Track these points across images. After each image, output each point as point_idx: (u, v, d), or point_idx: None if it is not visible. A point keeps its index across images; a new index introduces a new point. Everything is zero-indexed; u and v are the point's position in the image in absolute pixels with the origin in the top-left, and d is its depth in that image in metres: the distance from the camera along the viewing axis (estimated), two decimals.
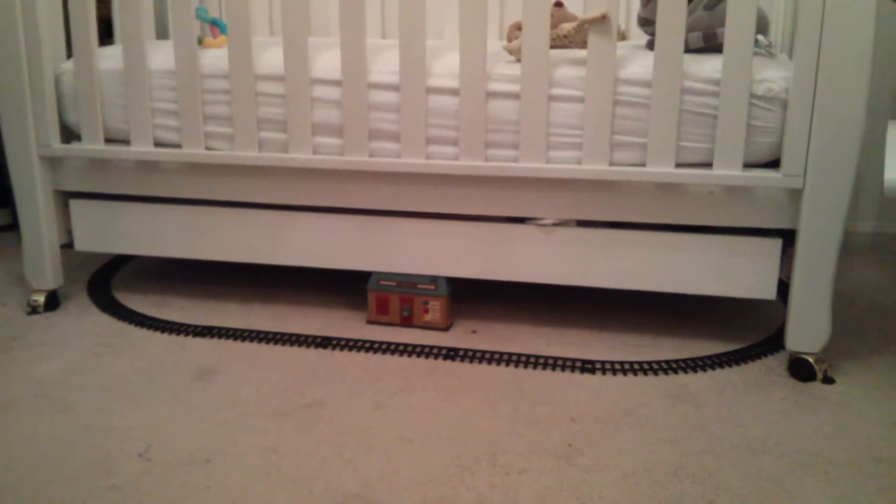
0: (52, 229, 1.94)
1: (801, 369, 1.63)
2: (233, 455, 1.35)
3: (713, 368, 1.67)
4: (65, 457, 1.35)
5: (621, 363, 1.69)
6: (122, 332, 1.85)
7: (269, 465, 1.32)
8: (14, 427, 1.45)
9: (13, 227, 2.69)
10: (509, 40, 1.81)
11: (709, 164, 1.61)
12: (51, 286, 1.97)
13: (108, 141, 1.90)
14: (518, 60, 1.68)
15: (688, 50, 1.64)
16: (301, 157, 1.76)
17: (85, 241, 1.98)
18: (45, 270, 1.95)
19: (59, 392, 1.57)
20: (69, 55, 1.89)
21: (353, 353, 1.74)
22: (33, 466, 1.32)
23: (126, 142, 1.88)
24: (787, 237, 1.64)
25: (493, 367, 1.68)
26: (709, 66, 1.58)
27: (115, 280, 2.21)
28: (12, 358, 1.72)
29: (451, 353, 1.73)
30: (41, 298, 1.97)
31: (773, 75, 1.56)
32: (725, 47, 1.53)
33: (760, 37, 1.71)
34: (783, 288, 1.68)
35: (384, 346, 1.77)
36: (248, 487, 1.26)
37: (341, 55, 1.69)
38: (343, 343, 1.78)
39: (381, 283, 1.86)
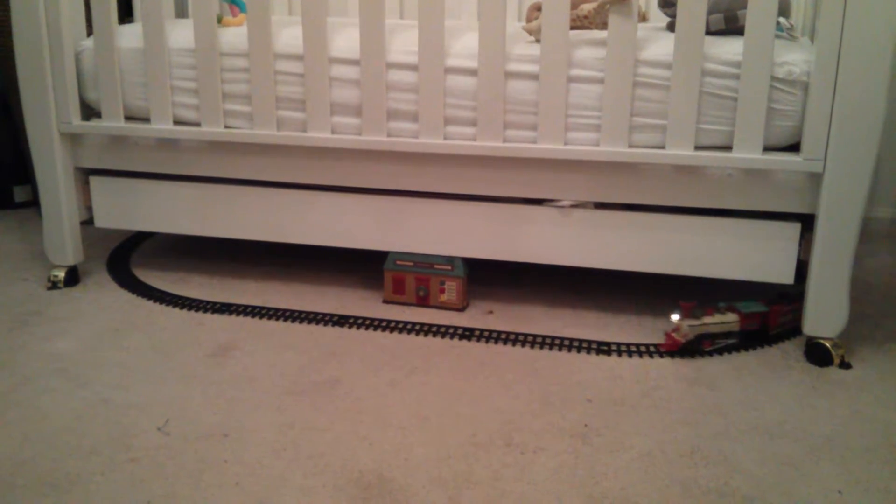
0: (72, 206, 1.95)
1: (817, 354, 1.62)
2: (249, 431, 1.36)
3: (729, 352, 1.66)
4: (83, 430, 1.37)
5: (637, 345, 1.69)
6: (140, 308, 1.86)
7: (285, 441, 1.33)
8: (33, 401, 1.46)
9: (34, 203, 2.70)
10: (528, 20, 1.80)
11: (728, 147, 1.60)
12: (71, 262, 1.98)
13: (128, 118, 1.91)
14: (537, 41, 1.68)
15: (709, 32, 1.63)
16: (319, 136, 1.76)
17: (105, 218, 2.00)
18: (66, 246, 1.96)
19: (77, 367, 1.59)
20: (89, 33, 1.90)
21: (370, 332, 1.75)
22: (52, 440, 1.34)
23: (146, 119, 1.89)
24: (806, 221, 1.63)
25: (509, 347, 1.68)
26: (730, 48, 1.57)
27: (134, 256, 2.22)
28: (32, 332, 1.74)
29: (467, 333, 1.74)
30: (61, 274, 1.98)
31: (794, 58, 1.55)
32: (747, 29, 1.52)
33: (782, 19, 1.70)
34: (801, 272, 1.67)
35: (400, 326, 1.77)
36: (265, 462, 1.27)
37: (360, 34, 1.68)
38: (359, 322, 1.79)
39: (398, 262, 1.86)
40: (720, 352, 1.66)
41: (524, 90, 1.65)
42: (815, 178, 1.57)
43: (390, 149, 1.74)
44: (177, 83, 1.84)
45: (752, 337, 1.71)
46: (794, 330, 1.74)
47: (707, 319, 1.66)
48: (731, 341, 1.68)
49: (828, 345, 1.61)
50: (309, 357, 1.63)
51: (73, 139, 1.93)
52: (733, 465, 1.28)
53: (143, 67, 1.85)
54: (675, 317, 1.66)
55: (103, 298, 1.93)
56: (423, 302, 1.88)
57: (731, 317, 1.67)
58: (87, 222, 2.01)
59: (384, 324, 1.78)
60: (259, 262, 2.18)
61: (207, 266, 2.14)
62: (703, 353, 1.66)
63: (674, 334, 1.65)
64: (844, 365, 1.61)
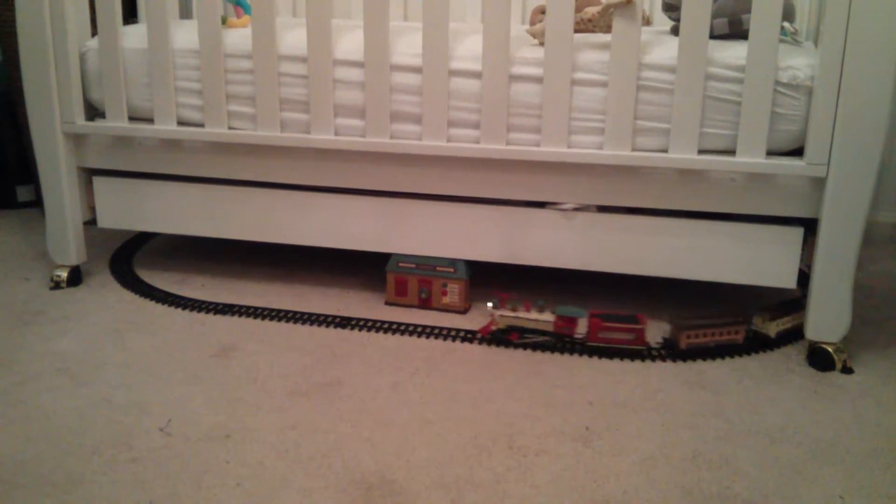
0: (75, 206, 1.96)
1: (820, 359, 1.62)
2: (252, 431, 1.36)
3: (732, 356, 1.66)
4: (85, 430, 1.37)
5: (639, 348, 1.69)
6: (143, 309, 1.86)
7: (287, 442, 1.33)
8: (35, 400, 1.46)
9: (37, 203, 2.71)
10: (532, 24, 1.80)
11: (732, 152, 1.60)
12: (74, 262, 1.99)
13: (132, 119, 1.91)
14: (541, 44, 1.68)
15: (713, 36, 1.63)
16: (323, 138, 1.76)
17: (108, 218, 2.00)
18: (69, 246, 1.97)
19: (80, 366, 1.59)
20: (94, 33, 1.90)
21: (372, 334, 1.75)
22: (54, 439, 1.34)
23: (150, 120, 1.89)
24: (809, 226, 1.63)
25: (511, 350, 1.68)
26: (734, 52, 1.57)
27: (137, 257, 2.22)
28: (35, 332, 1.74)
29: (469, 336, 1.74)
30: (64, 274, 1.98)
31: (798, 63, 1.55)
32: (751, 34, 1.52)
33: (786, 24, 1.70)
34: (803, 277, 1.67)
35: (402, 328, 1.77)
36: (267, 463, 1.27)
37: (364, 37, 1.69)
38: (362, 323, 1.79)
39: (401, 265, 1.86)
40: (722, 355, 1.66)
41: (528, 93, 1.66)
42: (819, 183, 1.57)
43: (394, 151, 1.74)
44: (181, 84, 1.84)
45: (565, 340, 1.71)
46: (796, 335, 1.74)
47: (521, 313, 1.68)
48: (542, 339, 1.69)
49: (830, 349, 1.61)
50: (311, 358, 1.63)
51: (77, 139, 1.94)
52: (735, 469, 1.28)
53: (147, 68, 1.85)
54: (489, 304, 1.70)
55: (106, 298, 1.93)
56: (425, 304, 1.87)
57: (547, 316, 1.69)
58: (91, 222, 2.02)
59: (386, 326, 1.78)
60: (262, 263, 2.18)
61: (210, 267, 2.14)
62: (509, 344, 1.70)
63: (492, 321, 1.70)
64: (846, 370, 1.61)
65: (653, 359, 1.65)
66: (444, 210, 1.79)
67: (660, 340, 1.72)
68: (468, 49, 1.69)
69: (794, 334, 1.74)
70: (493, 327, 1.71)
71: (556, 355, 1.66)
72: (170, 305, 1.89)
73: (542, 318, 1.68)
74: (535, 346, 1.68)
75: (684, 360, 1.64)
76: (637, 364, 1.63)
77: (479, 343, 1.70)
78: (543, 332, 1.69)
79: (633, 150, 1.64)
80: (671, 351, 1.67)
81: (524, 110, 1.67)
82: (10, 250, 2.27)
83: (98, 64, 1.87)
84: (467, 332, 1.75)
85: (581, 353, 1.67)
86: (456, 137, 1.72)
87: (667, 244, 1.70)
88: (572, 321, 1.68)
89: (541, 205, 1.76)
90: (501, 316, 1.69)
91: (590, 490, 1.22)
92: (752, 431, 1.39)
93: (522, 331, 1.70)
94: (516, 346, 1.70)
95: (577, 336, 1.70)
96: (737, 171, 1.59)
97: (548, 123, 1.65)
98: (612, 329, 1.66)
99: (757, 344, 1.70)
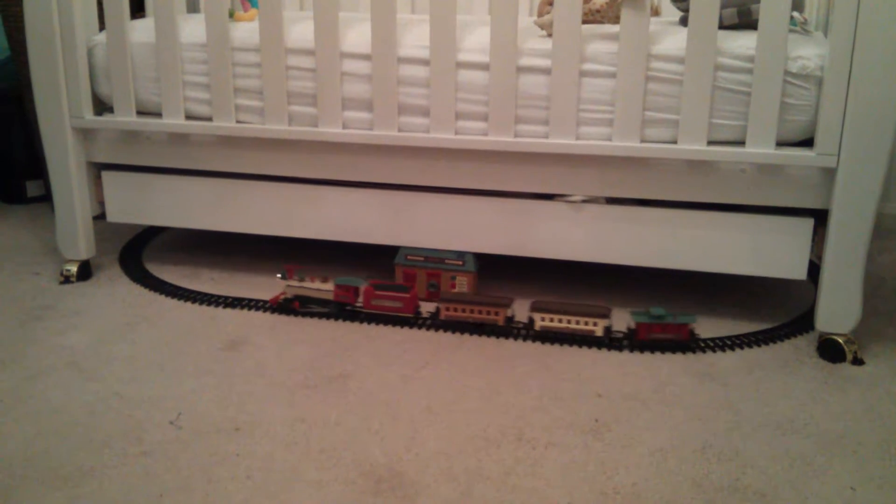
0: (84, 200, 1.96)
1: (830, 350, 1.61)
2: (261, 424, 1.37)
3: (741, 348, 1.66)
4: (96, 424, 1.37)
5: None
6: (152, 303, 1.87)
7: (297, 435, 1.33)
8: (46, 394, 1.47)
9: (46, 198, 2.71)
10: (540, 15, 1.80)
11: (741, 142, 1.59)
12: (83, 257, 1.99)
13: (140, 113, 1.91)
14: (549, 35, 1.67)
15: (722, 26, 1.62)
16: (330, 131, 1.76)
17: (117, 213, 2.00)
18: (78, 241, 1.97)
19: (90, 361, 1.59)
20: (101, 28, 1.90)
21: (380, 327, 1.75)
22: (64, 433, 1.34)
23: (158, 114, 1.89)
24: (819, 217, 1.62)
25: (520, 342, 1.68)
26: (743, 42, 1.56)
27: (146, 251, 2.23)
28: (45, 327, 1.75)
29: (478, 328, 1.73)
30: (74, 268, 1.99)
31: (808, 53, 1.54)
32: (760, 24, 1.51)
33: (796, 14, 1.69)
34: (813, 268, 1.67)
35: (411, 320, 1.77)
36: (277, 456, 1.27)
37: (371, 29, 1.68)
38: (370, 316, 1.79)
39: (409, 258, 1.86)
40: (731, 347, 1.65)
41: (536, 85, 1.65)
42: (829, 174, 1.57)
43: (401, 144, 1.73)
44: (189, 78, 1.84)
45: (346, 308, 1.80)
46: (806, 326, 1.73)
47: (306, 283, 1.78)
48: (326, 309, 1.80)
49: (840, 341, 1.61)
50: (320, 351, 1.63)
51: (86, 134, 1.94)
52: (745, 460, 1.28)
53: (155, 62, 1.85)
54: (278, 276, 1.83)
55: (115, 293, 1.93)
56: (433, 297, 1.87)
57: (329, 286, 1.78)
58: (100, 217, 2.02)
59: (395, 319, 1.78)
60: (270, 257, 2.18)
61: (219, 261, 2.15)
62: (294, 312, 1.81)
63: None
64: (857, 361, 1.60)
65: (662, 351, 1.64)
66: (452, 203, 1.79)
67: (430, 311, 1.79)
68: (476, 41, 1.68)
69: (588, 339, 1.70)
70: (282, 297, 1.81)
71: (566, 347, 1.65)
72: (179, 299, 1.89)
73: (325, 287, 1.78)
74: (322, 315, 1.79)
75: (693, 351, 1.64)
76: (646, 356, 1.62)
77: (266, 311, 1.82)
78: (325, 301, 1.78)
79: (642, 141, 1.63)
80: (435, 321, 1.76)
81: (532, 102, 1.66)
82: (20, 245, 2.28)
83: (106, 58, 1.87)
84: (476, 324, 1.75)
85: (354, 320, 1.78)
86: (464, 130, 1.71)
87: (676, 236, 1.69)
88: (350, 290, 1.78)
89: (549, 197, 1.75)
90: (288, 286, 1.80)
91: (599, 482, 1.22)
92: (762, 423, 1.38)
93: (307, 300, 1.79)
94: (371, 320, 1.78)
95: (356, 304, 1.80)
96: (746, 161, 1.59)
97: (556, 115, 1.64)
98: (382, 297, 1.76)
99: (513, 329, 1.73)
